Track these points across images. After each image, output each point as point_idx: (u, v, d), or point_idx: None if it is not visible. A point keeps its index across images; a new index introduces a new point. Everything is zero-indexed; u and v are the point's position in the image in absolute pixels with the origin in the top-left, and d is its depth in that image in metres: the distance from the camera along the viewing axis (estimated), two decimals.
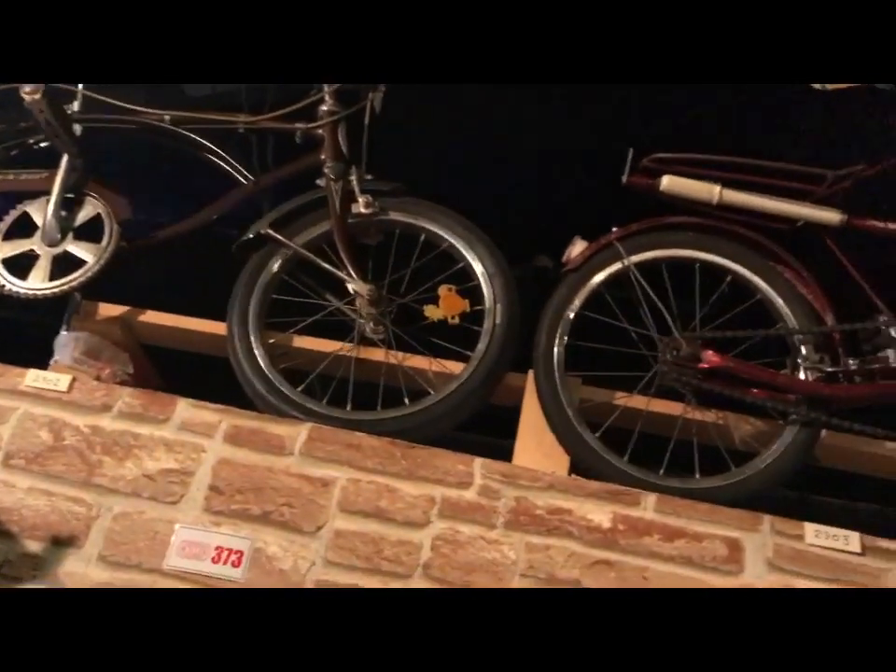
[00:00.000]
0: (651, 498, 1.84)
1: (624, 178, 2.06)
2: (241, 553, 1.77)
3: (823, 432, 2.01)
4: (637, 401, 2.01)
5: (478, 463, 1.89)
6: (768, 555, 1.78)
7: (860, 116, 2.18)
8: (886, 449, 2.02)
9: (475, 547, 1.80)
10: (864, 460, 2.06)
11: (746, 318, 2.04)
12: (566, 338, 2.01)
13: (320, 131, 2.21)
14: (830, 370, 1.90)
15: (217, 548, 1.77)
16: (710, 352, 1.91)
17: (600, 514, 1.83)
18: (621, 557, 1.79)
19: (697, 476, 1.90)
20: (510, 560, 1.79)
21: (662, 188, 2.04)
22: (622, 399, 2.02)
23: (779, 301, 1.99)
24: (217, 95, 2.60)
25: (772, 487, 1.89)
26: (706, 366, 1.91)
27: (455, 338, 2.12)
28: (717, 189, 2.02)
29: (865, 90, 2.13)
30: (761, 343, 2.02)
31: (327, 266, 2.12)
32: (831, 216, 2.00)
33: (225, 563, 1.76)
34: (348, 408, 2.00)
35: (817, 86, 2.14)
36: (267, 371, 2.03)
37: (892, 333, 1.94)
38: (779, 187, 2.01)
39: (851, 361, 1.90)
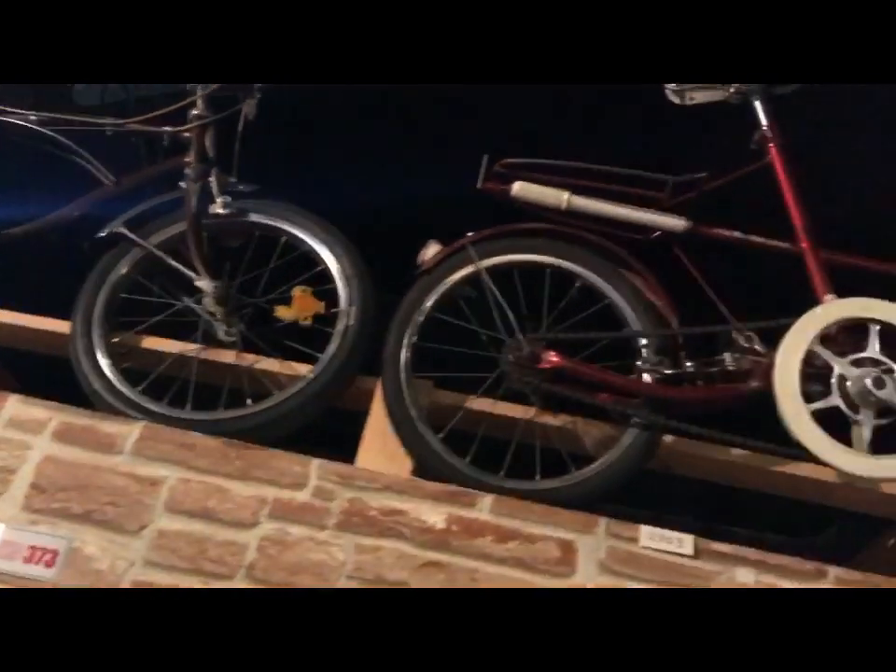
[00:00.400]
0: (487, 500, 1.81)
1: (479, 184, 2.08)
2: (55, 552, 1.70)
3: (671, 438, 2.02)
4: (485, 404, 2.00)
5: (315, 464, 1.85)
6: (601, 557, 1.76)
7: (715, 128, 2.21)
8: (733, 455, 2.02)
9: (303, 548, 1.75)
10: (714, 467, 2.06)
11: (603, 323, 2.04)
12: (414, 339, 1.99)
13: (187, 134, 2.21)
14: (668, 372, 1.90)
15: (30, 547, 1.70)
16: (550, 353, 1.91)
17: (435, 515, 1.79)
18: (451, 559, 1.75)
19: (538, 478, 1.88)
20: (337, 561, 1.74)
21: (513, 193, 2.05)
22: (468, 401, 2.00)
23: (625, 306, 1.99)
24: (106, 105, 2.59)
25: (612, 490, 1.88)
26: (545, 366, 1.90)
27: (318, 342, 2.10)
28: (565, 195, 2.03)
29: (719, 104, 2.18)
30: (618, 348, 2.02)
31: (175, 264, 2.10)
32: (675, 223, 2.02)
33: (37, 563, 1.68)
34: (188, 408, 1.97)
35: (676, 100, 2.19)
36: (106, 370, 1.98)
37: (739, 339, 1.96)
38: (628, 193, 2.03)
39: (689, 364, 1.90)
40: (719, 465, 2.04)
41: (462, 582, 1.72)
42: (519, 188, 2.05)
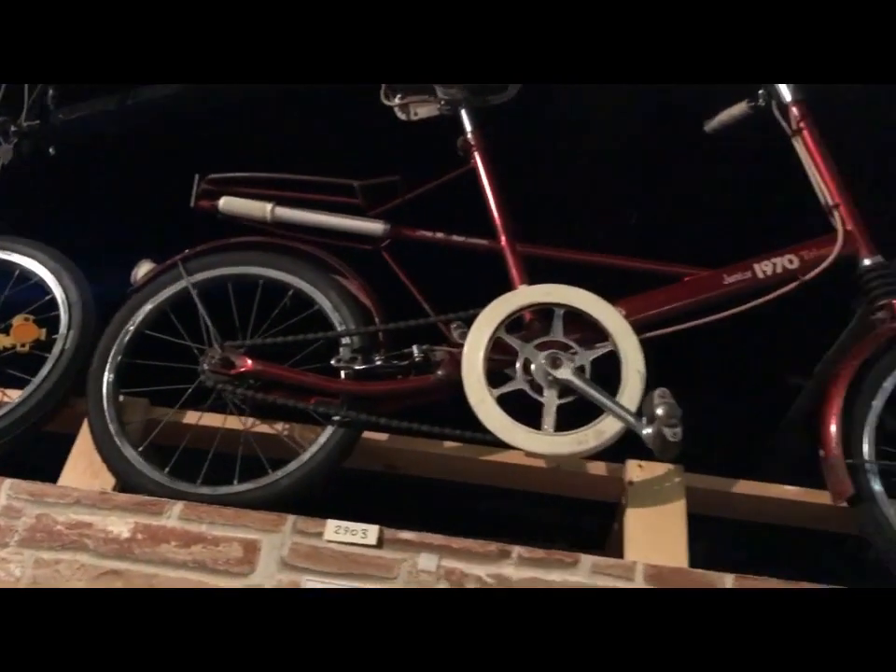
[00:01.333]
0: (177, 507, 1.82)
1: (192, 203, 2.13)
2: None
3: (389, 437, 2.05)
4: (193, 417, 2.02)
5: (7, 483, 1.84)
6: (283, 555, 1.76)
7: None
8: (446, 449, 2.05)
9: None
10: (435, 463, 2.08)
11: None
12: (119, 357, 2.01)
13: None
14: (358, 368, 1.94)
15: None
16: (244, 358, 1.94)
17: (121, 526, 1.79)
18: (131, 566, 1.74)
19: (235, 483, 1.90)
20: (14, 577, 1.72)
21: (220, 208, 2.11)
22: (179, 416, 2.02)
23: (332, 310, 2.03)
24: None
25: (308, 488, 1.89)
26: (239, 371, 1.93)
27: None
28: (269, 206, 2.09)
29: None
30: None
31: None
32: (374, 227, 2.08)
33: None
34: None
35: (403, 116, 2.27)
36: None
37: (454, 334, 1.99)
38: (331, 202, 2.10)
39: (377, 358, 1.94)
40: (437, 459, 2.06)
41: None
42: (224, 202, 2.10)
